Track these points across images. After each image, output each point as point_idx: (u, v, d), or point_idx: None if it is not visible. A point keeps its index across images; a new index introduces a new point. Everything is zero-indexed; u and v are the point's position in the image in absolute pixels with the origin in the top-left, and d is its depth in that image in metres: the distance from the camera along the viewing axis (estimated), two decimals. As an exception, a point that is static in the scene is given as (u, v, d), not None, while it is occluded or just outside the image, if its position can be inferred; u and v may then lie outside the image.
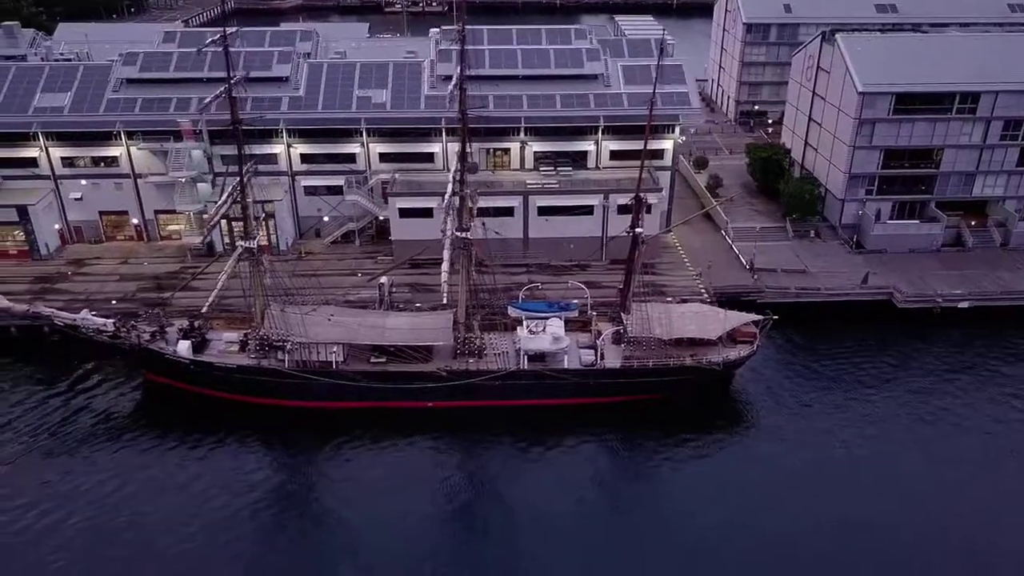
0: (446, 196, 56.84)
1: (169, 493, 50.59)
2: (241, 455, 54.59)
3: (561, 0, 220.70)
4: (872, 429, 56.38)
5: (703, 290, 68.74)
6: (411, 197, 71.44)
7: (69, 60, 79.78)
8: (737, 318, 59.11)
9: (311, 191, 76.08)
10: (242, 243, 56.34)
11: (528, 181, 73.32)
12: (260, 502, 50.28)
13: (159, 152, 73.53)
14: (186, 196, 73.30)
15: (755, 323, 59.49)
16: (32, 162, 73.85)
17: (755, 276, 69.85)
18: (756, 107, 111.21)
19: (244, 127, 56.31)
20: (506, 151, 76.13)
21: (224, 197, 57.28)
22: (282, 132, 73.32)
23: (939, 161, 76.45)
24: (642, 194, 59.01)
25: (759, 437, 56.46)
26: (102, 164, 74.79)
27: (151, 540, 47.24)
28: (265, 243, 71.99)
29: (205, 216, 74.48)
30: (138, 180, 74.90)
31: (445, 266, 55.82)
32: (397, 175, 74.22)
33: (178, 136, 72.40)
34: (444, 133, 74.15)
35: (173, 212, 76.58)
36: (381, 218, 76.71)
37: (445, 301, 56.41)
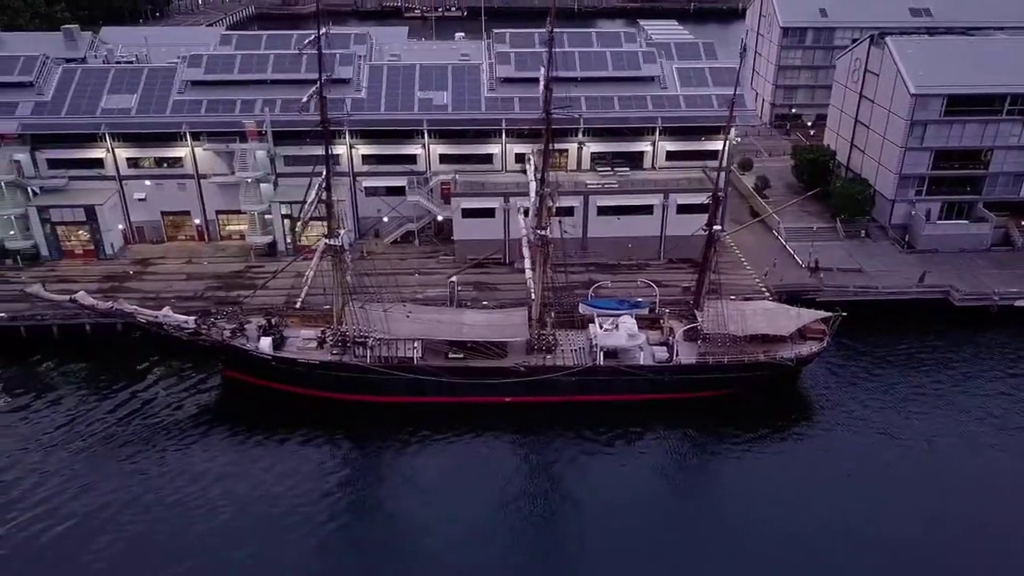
0: (531, 195, 57.67)
1: (246, 487, 51.53)
2: (317, 450, 55.70)
3: (579, 5, 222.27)
4: (942, 425, 57.55)
5: (763, 288, 69.94)
6: (474, 197, 72.59)
7: (131, 63, 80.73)
8: (808, 315, 60.38)
9: (372, 192, 77.18)
10: (327, 240, 57.44)
11: (588, 182, 74.49)
12: (336, 496, 51.49)
13: (223, 153, 74.67)
14: (251, 196, 74.44)
15: (823, 320, 60.76)
16: (98, 163, 74.98)
17: (820, 275, 70.96)
18: (793, 110, 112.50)
19: (311, 128, 57.47)
20: (563, 152, 77.30)
21: (312, 196, 58.24)
22: (345, 133, 74.44)
23: (988, 162, 77.84)
24: (717, 193, 59.98)
25: (830, 432, 57.51)
26: (165, 165, 75.92)
27: (228, 533, 48.13)
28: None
29: (267, 216, 75.75)
30: (201, 181, 75.98)
31: (527, 263, 56.87)
32: (457, 176, 75.40)
33: (243, 137, 73.57)
34: (504, 135, 75.35)
35: (234, 212, 77.81)
36: (440, 218, 77.92)
37: (533, 297, 57.40)
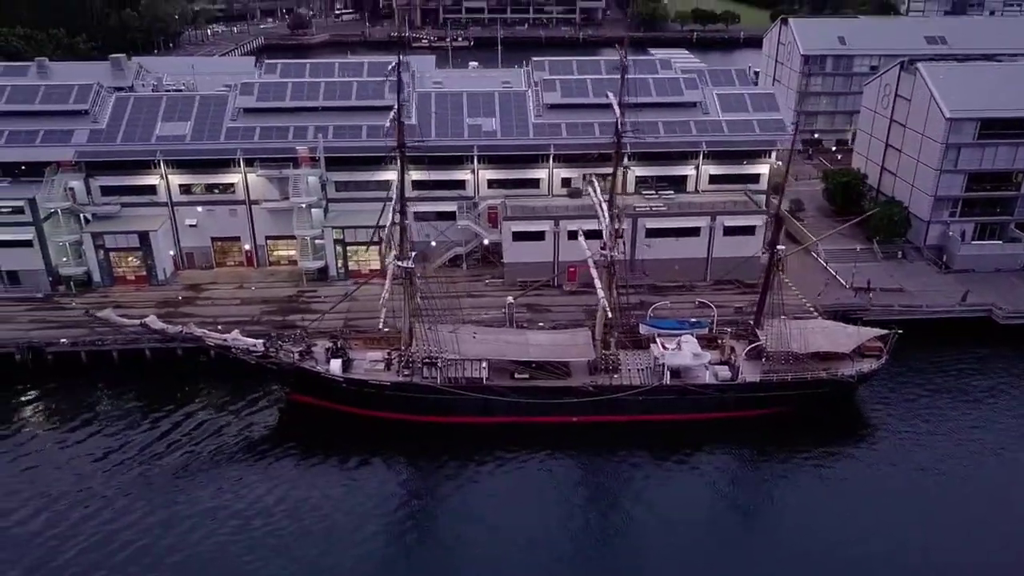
0: (602, 217, 58.82)
1: (314, 509, 51.96)
2: (385, 471, 56.50)
3: (583, 35, 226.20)
4: (995, 442, 58.86)
5: (811, 308, 71.37)
6: (525, 221, 73.87)
7: (179, 91, 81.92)
8: (866, 333, 61.83)
9: (421, 216, 78.29)
10: (399, 263, 58.47)
11: (635, 205, 75.97)
12: (403, 516, 52.34)
13: (274, 179, 75.74)
14: (304, 221, 75.38)
15: (880, 337, 62.17)
16: (151, 189, 75.84)
17: (870, 295, 72.51)
18: (815, 135, 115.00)
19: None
20: (607, 175, 78.75)
21: (390, 219, 59.37)
22: (396, 159, 75.64)
23: (1020, 183, 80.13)
24: (779, 214, 61.53)
25: (889, 450, 58.55)
26: (216, 191, 76.87)
27: (296, 556, 48.45)
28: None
29: (319, 241, 76.63)
30: (252, 207, 76.92)
31: (599, 284, 58.00)
32: (506, 200, 76.74)
33: (295, 163, 74.71)
34: (551, 159, 76.90)
35: (283, 238, 78.72)
36: (486, 242, 79.10)
37: (610, 315, 58.44)
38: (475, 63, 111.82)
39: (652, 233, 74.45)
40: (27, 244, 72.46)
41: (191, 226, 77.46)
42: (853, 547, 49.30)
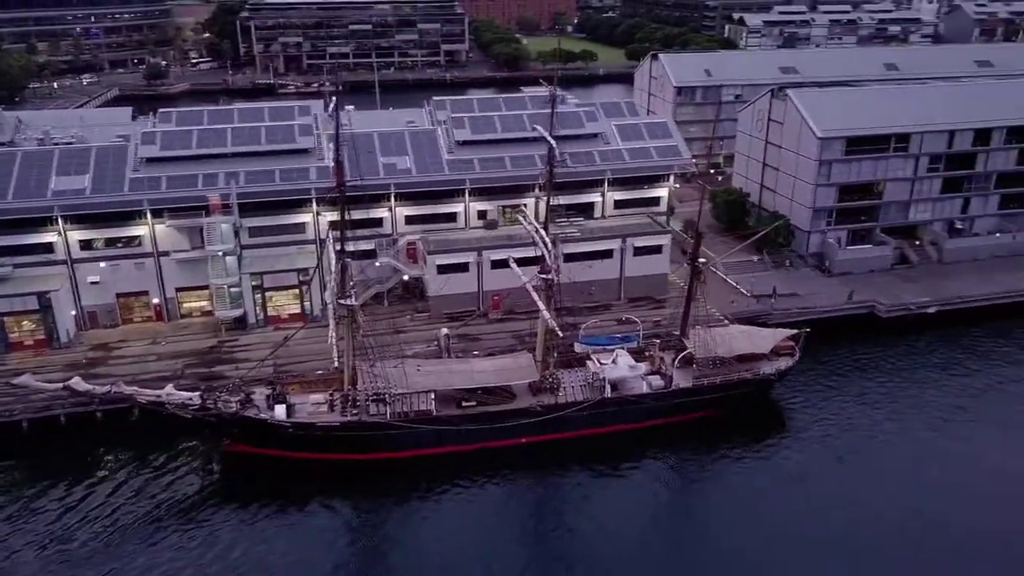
0: (547, 244, 60.93)
1: (264, 561, 50.87)
2: (337, 513, 55.90)
3: (451, 76, 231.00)
4: (898, 418, 65.58)
5: (721, 317, 76.52)
6: (449, 254, 75.24)
7: (70, 143, 77.81)
8: (780, 334, 67.20)
9: (339, 257, 77.78)
10: (342, 301, 58.30)
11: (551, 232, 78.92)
12: (358, 557, 52.08)
13: (183, 228, 73.40)
14: (220, 270, 73.25)
15: (791, 337, 67.74)
16: (48, 248, 71.51)
17: (772, 300, 78.57)
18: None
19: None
20: (519, 206, 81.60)
21: (333, 260, 59.12)
22: (313, 201, 75.36)
23: (882, 192, 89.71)
24: (698, 231, 66.10)
25: (810, 437, 63.71)
26: (120, 244, 73.45)
27: None
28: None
29: (234, 289, 74.62)
30: (161, 258, 74.02)
31: (543, 306, 59.98)
32: (426, 236, 77.82)
33: (207, 211, 72.74)
34: (467, 194, 78.90)
35: (195, 289, 76.12)
36: (406, 278, 79.69)
37: (560, 335, 60.41)
38: (351, 107, 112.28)
39: (570, 257, 77.58)
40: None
41: (93, 283, 73.46)
42: (792, 531, 53.34)
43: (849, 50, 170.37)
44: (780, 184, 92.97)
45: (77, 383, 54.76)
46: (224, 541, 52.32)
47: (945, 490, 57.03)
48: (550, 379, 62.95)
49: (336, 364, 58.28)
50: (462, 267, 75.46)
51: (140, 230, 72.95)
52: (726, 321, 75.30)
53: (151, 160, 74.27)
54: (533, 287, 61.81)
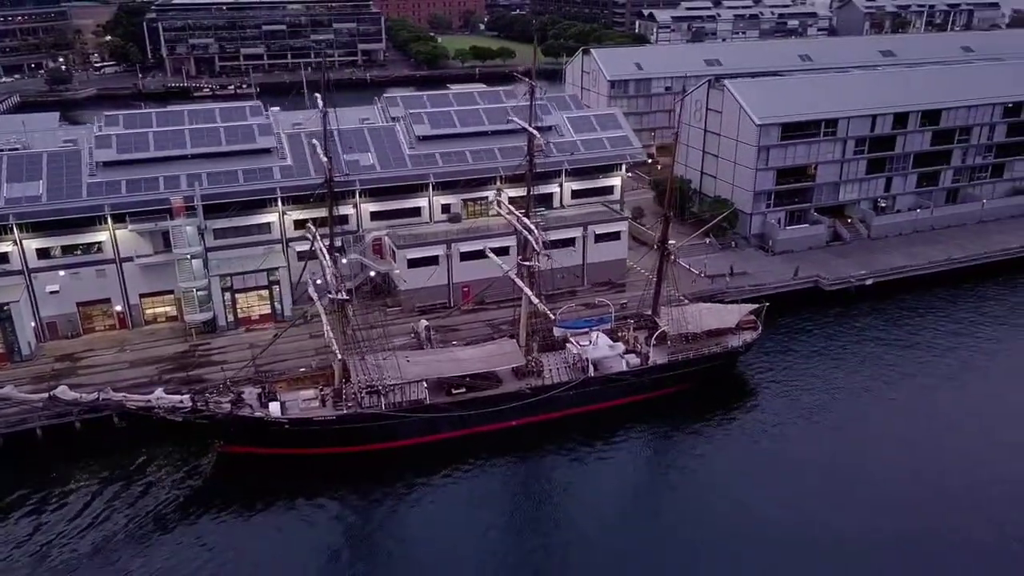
0: (533, 232, 62.60)
1: (266, 557, 51.54)
2: (334, 507, 56.38)
3: (371, 76, 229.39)
4: (851, 377, 71.17)
5: (681, 296, 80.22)
6: (419, 247, 76.26)
7: (15, 150, 74.69)
8: (744, 308, 71.39)
9: (303, 256, 77.63)
10: (332, 295, 58.81)
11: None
12: (357, 548, 52.98)
13: (145, 233, 71.89)
14: (187, 273, 72.07)
15: (753, 312, 72.08)
16: (2, 258, 68.77)
17: (727, 279, 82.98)
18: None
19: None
20: (481, 199, 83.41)
21: (327, 257, 59.40)
22: (278, 201, 75.03)
23: (814, 175, 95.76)
24: (668, 215, 69.41)
25: (777, 403, 68.11)
26: (78, 252, 71.31)
27: None
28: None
29: (201, 293, 73.57)
30: (123, 264, 72.24)
31: (530, 292, 61.94)
32: (392, 231, 78.59)
33: (170, 214, 71.41)
34: (431, 188, 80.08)
35: (159, 294, 74.64)
36: (372, 274, 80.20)
37: (552, 317, 62.48)
38: (276, 108, 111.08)
39: (535, 246, 79.97)
40: None
41: (52, 292, 71.07)
42: (767, 496, 56.51)
43: (767, 42, 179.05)
44: (720, 170, 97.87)
45: (63, 392, 53.15)
46: (220, 542, 52.31)
47: (891, 440, 62.69)
48: (534, 363, 65.08)
49: (340, 356, 58.39)
50: (432, 260, 76.61)
51: (101, 236, 71.05)
52: (685, 300, 79.18)
53: (108, 164, 72.35)
54: (516, 275, 63.68)
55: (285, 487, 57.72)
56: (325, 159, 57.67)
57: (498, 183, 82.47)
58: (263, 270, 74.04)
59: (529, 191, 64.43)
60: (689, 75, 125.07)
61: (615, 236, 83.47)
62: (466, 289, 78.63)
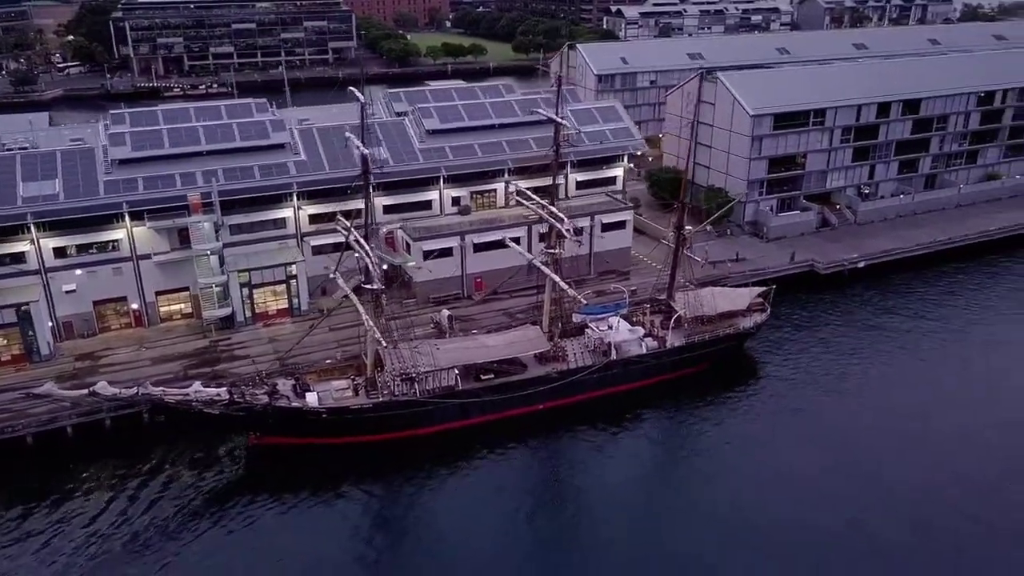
0: (562, 222, 64.30)
1: (306, 546, 52.22)
2: (374, 493, 57.65)
3: (343, 74, 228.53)
4: (855, 355, 74.51)
5: (687, 283, 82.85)
6: (434, 239, 77.52)
7: (25, 148, 74.06)
8: (754, 291, 74.13)
9: (319, 250, 78.35)
10: (367, 285, 59.94)
11: (524, 215, 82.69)
12: (395, 532, 54.20)
13: (162, 230, 72.00)
14: (206, 269, 72.32)
15: (761, 294, 74.89)
16: (19, 257, 68.36)
17: (728, 265, 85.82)
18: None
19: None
20: (489, 192, 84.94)
21: (362, 251, 60.41)
22: (293, 195, 75.66)
23: (804, 164, 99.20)
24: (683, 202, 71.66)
25: (788, 379, 71.10)
26: (93, 250, 71.08)
27: None
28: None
29: (219, 289, 73.86)
30: (140, 262, 72.24)
31: (559, 280, 63.79)
32: (405, 224, 79.72)
33: (188, 211, 71.59)
34: (442, 181, 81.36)
35: (175, 291, 74.76)
36: (385, 267, 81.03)
37: (583, 302, 64.34)
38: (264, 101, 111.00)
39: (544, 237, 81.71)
40: None
41: (69, 292, 70.80)
42: (788, 471, 58.97)
43: (744, 36, 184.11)
44: (714, 160, 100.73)
45: (103, 387, 53.63)
46: (251, 535, 53.01)
47: (900, 408, 66.10)
48: (558, 348, 66.91)
49: (384, 344, 59.23)
50: (446, 252, 77.95)
51: (118, 233, 70.95)
52: (691, 285, 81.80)
53: (124, 162, 72.22)
54: (542, 263, 65.46)
55: (315, 479, 58.46)
56: (365, 151, 58.61)
57: (506, 175, 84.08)
58: (282, 264, 74.61)
59: (555, 180, 66.13)
60: (674, 69, 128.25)
61: (620, 225, 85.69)
62: (479, 280, 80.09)
